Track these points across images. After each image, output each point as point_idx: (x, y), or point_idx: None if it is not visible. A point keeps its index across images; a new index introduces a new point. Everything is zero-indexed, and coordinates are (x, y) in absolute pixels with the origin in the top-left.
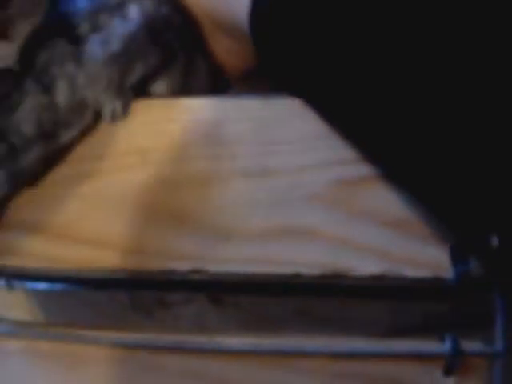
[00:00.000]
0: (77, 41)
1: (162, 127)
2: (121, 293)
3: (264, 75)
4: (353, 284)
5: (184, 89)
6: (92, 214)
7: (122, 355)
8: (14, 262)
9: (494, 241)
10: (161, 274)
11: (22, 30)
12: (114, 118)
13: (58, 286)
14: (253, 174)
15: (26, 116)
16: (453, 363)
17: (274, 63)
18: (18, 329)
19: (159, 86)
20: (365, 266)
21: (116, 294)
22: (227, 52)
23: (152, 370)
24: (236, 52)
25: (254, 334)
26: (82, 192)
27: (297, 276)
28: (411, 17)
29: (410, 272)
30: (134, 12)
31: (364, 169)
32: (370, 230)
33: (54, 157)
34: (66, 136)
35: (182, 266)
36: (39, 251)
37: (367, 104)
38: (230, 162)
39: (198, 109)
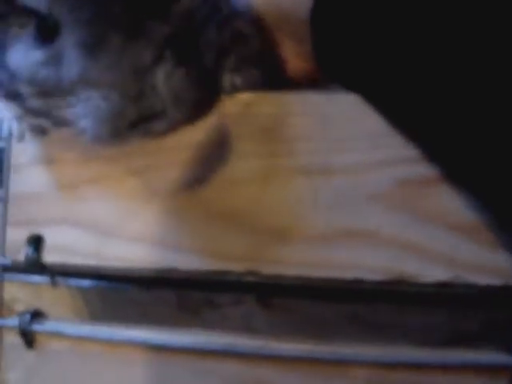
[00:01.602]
0: None
1: (215, 122)
2: (168, 292)
3: (322, 73)
4: (417, 291)
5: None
6: (142, 211)
7: (167, 357)
8: (59, 258)
9: None
10: (212, 274)
11: None
12: None
13: (103, 284)
14: (314, 172)
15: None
16: None
17: (333, 59)
18: (63, 327)
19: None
20: (430, 272)
21: (163, 293)
22: (291, 55)
23: (200, 374)
24: (299, 55)
25: (304, 340)
26: (132, 188)
27: (358, 281)
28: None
29: (478, 279)
30: None
31: (430, 169)
32: (436, 234)
33: None
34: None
35: (234, 267)
36: (86, 248)
37: (431, 101)
38: (290, 159)
39: (255, 103)
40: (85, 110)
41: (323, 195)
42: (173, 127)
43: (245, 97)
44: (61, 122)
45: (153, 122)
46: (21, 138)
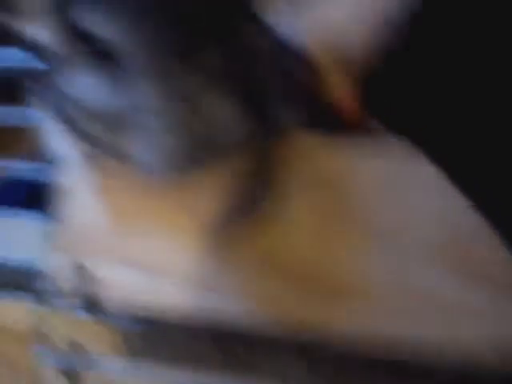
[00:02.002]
0: None
1: (275, 169)
2: (206, 333)
3: (374, 117)
4: None
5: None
6: (191, 250)
7: None
8: (102, 291)
9: None
10: (258, 328)
11: None
12: None
13: (145, 323)
14: (374, 232)
15: None
16: None
17: (385, 105)
18: (100, 362)
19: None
20: None
21: (201, 333)
22: (341, 95)
23: None
24: (349, 95)
25: None
26: (182, 225)
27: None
28: None
29: None
30: None
31: None
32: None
33: None
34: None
35: (282, 324)
36: (131, 284)
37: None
38: (351, 218)
39: (319, 153)
40: (143, 140)
41: (384, 256)
42: (224, 157)
43: (308, 142)
44: (118, 153)
45: (206, 152)
46: (76, 166)
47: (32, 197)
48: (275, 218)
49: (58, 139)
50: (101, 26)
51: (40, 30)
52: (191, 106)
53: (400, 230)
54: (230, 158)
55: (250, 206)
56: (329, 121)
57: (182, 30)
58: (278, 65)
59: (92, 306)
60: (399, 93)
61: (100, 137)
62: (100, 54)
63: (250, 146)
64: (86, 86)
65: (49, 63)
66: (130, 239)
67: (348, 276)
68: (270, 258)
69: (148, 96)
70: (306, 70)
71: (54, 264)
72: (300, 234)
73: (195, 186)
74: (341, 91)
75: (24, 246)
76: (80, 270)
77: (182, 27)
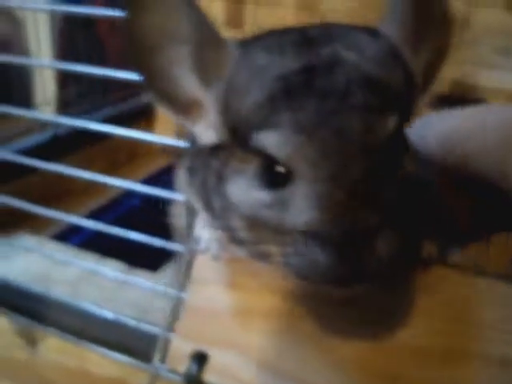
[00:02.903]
0: None
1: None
2: None
3: None
4: None
5: None
6: (300, 352)
7: None
8: (219, 381)
9: None
10: None
11: None
12: None
13: None
14: (492, 360)
15: None
16: None
17: None
18: None
19: None
20: None
21: None
22: None
23: None
24: None
25: None
26: (300, 329)
27: None
28: None
29: None
30: None
31: None
32: None
33: None
34: None
35: None
36: (247, 379)
37: None
38: (471, 343)
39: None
40: (296, 251)
41: None
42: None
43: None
44: (258, 253)
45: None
46: (215, 258)
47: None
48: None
49: (201, 226)
50: (275, 144)
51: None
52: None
53: None
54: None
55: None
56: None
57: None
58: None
59: None
60: None
61: (247, 239)
62: (269, 170)
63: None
64: (245, 194)
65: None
66: (250, 334)
67: None
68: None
69: (316, 221)
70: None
71: (174, 344)
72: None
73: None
74: None
75: (138, 307)
76: (199, 355)
77: None
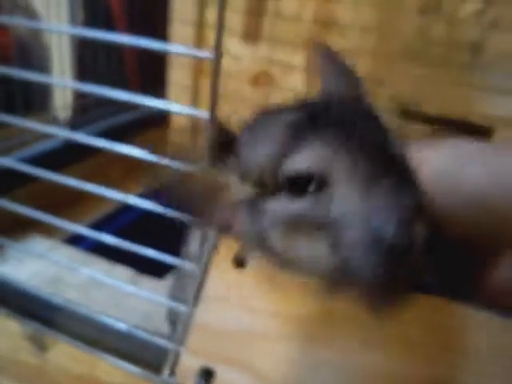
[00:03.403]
0: None
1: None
2: None
3: None
4: None
5: None
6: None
7: None
8: None
9: None
10: None
11: None
12: None
13: None
14: None
15: None
16: None
17: None
18: None
19: None
20: None
21: None
22: None
23: None
24: None
25: None
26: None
27: None
28: None
29: None
30: None
31: None
32: None
33: None
34: None
35: None
36: None
37: None
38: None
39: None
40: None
41: None
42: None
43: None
44: (286, 263)
45: None
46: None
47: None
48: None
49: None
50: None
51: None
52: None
53: None
54: None
55: None
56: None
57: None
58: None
59: None
60: None
61: (279, 248)
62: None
63: None
64: (281, 209)
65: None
66: (257, 353)
67: None
68: None
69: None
70: None
71: (183, 359)
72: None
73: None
74: None
75: (145, 313)
76: (207, 372)
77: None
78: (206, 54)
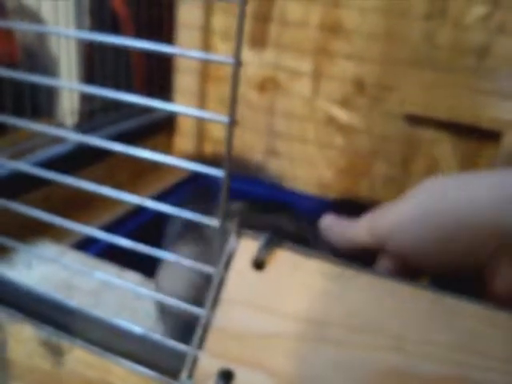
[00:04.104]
0: None
1: None
2: None
3: None
4: None
5: None
6: None
7: None
8: None
9: None
10: None
11: None
12: None
13: None
14: None
15: None
16: None
17: None
18: None
19: None
20: None
21: None
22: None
23: None
24: None
25: None
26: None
27: None
28: None
29: None
30: None
31: None
32: None
33: None
34: None
35: None
36: None
37: None
38: None
39: None
40: None
41: None
42: None
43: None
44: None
45: None
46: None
47: None
48: None
49: None
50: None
51: None
52: None
53: None
54: None
55: None
56: None
57: None
58: None
59: None
60: None
61: None
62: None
63: None
64: None
65: None
66: (277, 357)
67: None
68: None
69: None
70: None
71: (201, 362)
72: None
73: None
74: None
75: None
76: (226, 374)
77: None
78: (227, 58)
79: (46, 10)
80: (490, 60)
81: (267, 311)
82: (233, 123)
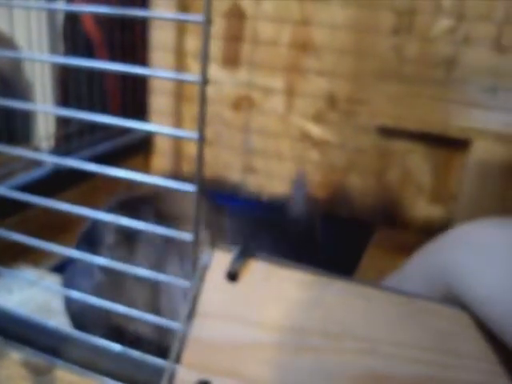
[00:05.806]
0: None
1: None
2: None
3: None
4: None
5: None
6: None
7: None
8: None
9: None
10: None
11: None
12: None
13: None
14: None
15: None
16: None
17: None
18: None
19: None
20: None
21: None
22: None
23: None
24: None
25: None
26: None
27: None
28: None
29: None
30: None
31: None
32: None
33: None
34: None
35: None
36: None
37: None
38: None
39: None
40: None
41: None
42: None
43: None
44: None
45: None
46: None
47: None
48: None
49: None
50: None
51: None
52: None
53: None
54: None
55: None
56: None
57: None
58: None
59: None
60: None
61: None
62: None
63: None
64: None
65: None
66: (251, 364)
67: None
68: None
69: None
70: None
71: (180, 374)
72: None
73: None
74: None
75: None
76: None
77: None
78: (194, 77)
79: (19, 36)
80: (458, 71)
81: (243, 322)
82: (202, 139)
